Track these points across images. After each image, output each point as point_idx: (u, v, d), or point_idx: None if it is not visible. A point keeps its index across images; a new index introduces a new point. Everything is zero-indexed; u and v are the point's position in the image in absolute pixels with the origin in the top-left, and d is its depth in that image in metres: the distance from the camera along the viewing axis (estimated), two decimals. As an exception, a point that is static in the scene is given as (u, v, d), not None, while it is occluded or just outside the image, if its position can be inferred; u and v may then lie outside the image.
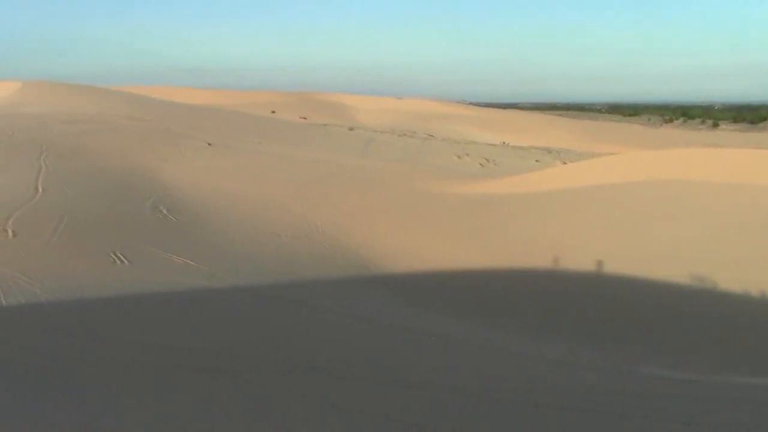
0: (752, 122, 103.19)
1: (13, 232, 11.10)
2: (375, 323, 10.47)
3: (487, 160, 31.48)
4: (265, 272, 12.06)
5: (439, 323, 11.12)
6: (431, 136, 45.01)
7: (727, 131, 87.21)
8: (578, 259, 14.43)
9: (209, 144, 22.96)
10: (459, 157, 31.97)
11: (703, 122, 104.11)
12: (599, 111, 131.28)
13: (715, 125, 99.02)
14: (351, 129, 42.38)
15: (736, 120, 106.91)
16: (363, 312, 10.92)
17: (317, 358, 8.21)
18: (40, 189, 14.20)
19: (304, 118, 51.14)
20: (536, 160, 33.46)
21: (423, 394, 7.19)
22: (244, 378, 7.07)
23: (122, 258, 10.88)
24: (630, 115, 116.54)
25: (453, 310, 11.96)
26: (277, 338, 8.84)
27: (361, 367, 8.13)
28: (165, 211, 14.16)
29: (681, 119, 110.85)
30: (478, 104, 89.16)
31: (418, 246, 14.85)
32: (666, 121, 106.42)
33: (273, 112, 54.29)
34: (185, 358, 7.47)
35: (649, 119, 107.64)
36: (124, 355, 7.31)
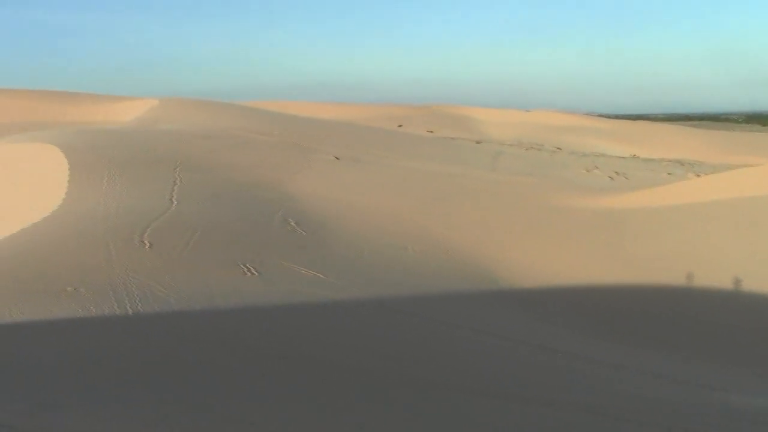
0: None
1: (149, 243, 11.46)
2: (504, 339, 10.33)
3: (616, 173, 30.78)
4: (393, 285, 12.06)
5: (570, 340, 10.90)
6: (559, 148, 44.36)
7: None
8: (713, 275, 13.94)
9: (337, 158, 23.21)
10: (588, 170, 31.37)
11: None
12: (736, 121, 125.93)
13: None
14: (478, 142, 42.20)
15: None
16: (491, 327, 10.80)
17: (446, 373, 8.14)
18: (175, 202, 14.62)
19: (431, 132, 51.17)
20: (668, 173, 32.51)
21: (558, 413, 7.06)
22: (374, 392, 7.08)
23: (252, 269, 11.06)
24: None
25: (583, 327, 11.71)
26: (404, 352, 8.82)
27: (490, 383, 8.04)
28: (294, 224, 14.36)
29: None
30: (607, 116, 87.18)
31: (547, 261, 14.62)
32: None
33: (400, 125, 54.53)
34: (314, 370, 7.54)
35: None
36: (253, 365, 7.42)
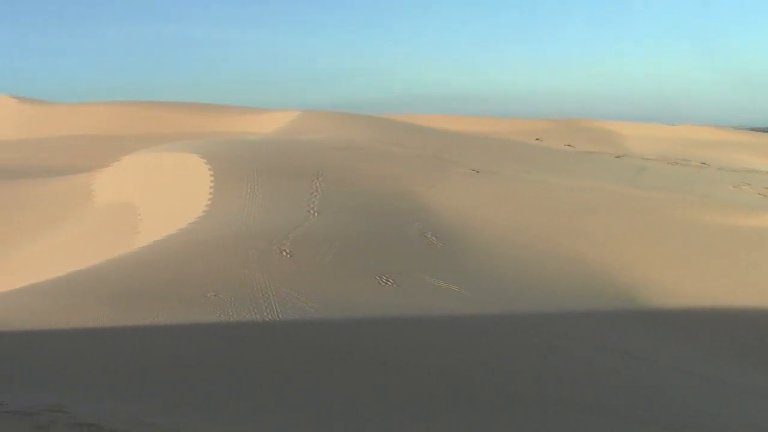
0: None
1: (289, 252, 11.60)
2: (641, 360, 10.05)
3: (769, 189, 29.41)
4: (528, 301, 11.87)
5: (711, 365, 10.48)
6: (706, 164, 42.80)
7: None
8: None
9: (475, 171, 23.05)
10: (737, 186, 30.10)
11: None
12: None
13: None
14: (620, 157, 41.12)
15: None
16: (629, 348, 10.50)
17: (577, 393, 7.95)
18: (314, 212, 14.79)
19: (571, 146, 50.27)
20: (829, 190, 30.78)
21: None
22: (504, 408, 6.95)
23: (389, 281, 11.06)
24: None
25: (723, 351, 11.23)
26: (537, 369, 8.65)
27: (625, 406, 7.81)
28: (431, 237, 14.30)
29: None
30: (760, 129, 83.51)
31: (690, 280, 14.09)
32: None
33: (539, 139, 53.81)
34: (445, 385, 7.46)
35: None
36: (386, 377, 7.39)
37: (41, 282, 10.20)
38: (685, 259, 15.31)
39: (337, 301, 9.76)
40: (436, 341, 8.99)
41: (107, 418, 4.66)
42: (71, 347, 7.29)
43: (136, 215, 18.43)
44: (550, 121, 68.53)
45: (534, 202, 19.54)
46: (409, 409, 6.56)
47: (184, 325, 8.19)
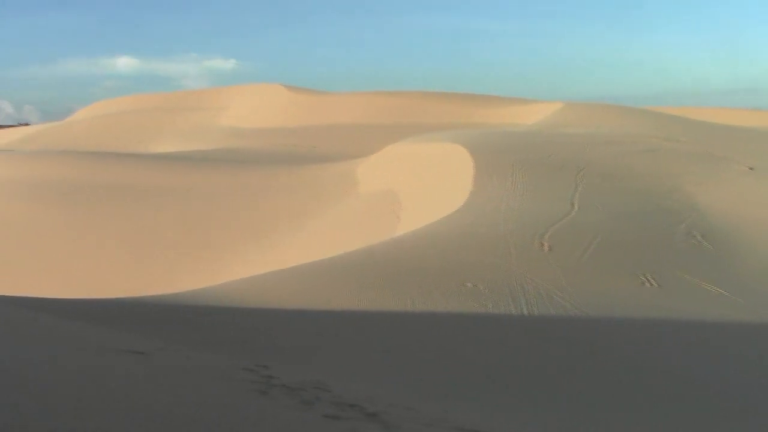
0: None
1: (549, 246, 11.46)
2: None
3: None
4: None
5: None
6: None
7: None
8: None
9: (751, 169, 21.72)
10: None
11: None
12: None
13: None
14: None
15: None
16: None
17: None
18: (576, 206, 14.51)
19: None
20: None
21: None
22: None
23: (651, 281, 10.68)
24: None
25: None
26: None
27: None
28: (699, 237, 13.63)
29: None
30: None
31: None
32: None
33: (824, 136, 49.96)
34: (711, 395, 7.19)
35: None
36: (638, 380, 7.21)
37: (303, 264, 10.68)
38: None
39: (595, 298, 9.57)
40: (698, 348, 8.64)
41: (367, 400, 4.75)
42: (331, 327, 7.58)
43: (398, 203, 18.89)
44: (837, 116, 63.52)
45: (816, 204, 18.16)
46: (665, 414, 6.39)
47: (441, 313, 8.30)
